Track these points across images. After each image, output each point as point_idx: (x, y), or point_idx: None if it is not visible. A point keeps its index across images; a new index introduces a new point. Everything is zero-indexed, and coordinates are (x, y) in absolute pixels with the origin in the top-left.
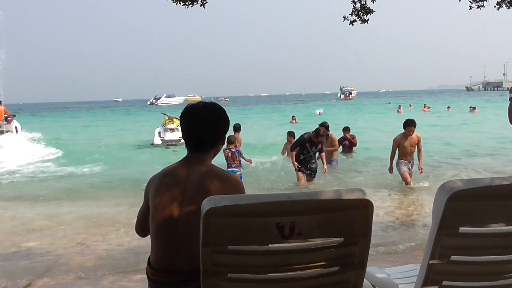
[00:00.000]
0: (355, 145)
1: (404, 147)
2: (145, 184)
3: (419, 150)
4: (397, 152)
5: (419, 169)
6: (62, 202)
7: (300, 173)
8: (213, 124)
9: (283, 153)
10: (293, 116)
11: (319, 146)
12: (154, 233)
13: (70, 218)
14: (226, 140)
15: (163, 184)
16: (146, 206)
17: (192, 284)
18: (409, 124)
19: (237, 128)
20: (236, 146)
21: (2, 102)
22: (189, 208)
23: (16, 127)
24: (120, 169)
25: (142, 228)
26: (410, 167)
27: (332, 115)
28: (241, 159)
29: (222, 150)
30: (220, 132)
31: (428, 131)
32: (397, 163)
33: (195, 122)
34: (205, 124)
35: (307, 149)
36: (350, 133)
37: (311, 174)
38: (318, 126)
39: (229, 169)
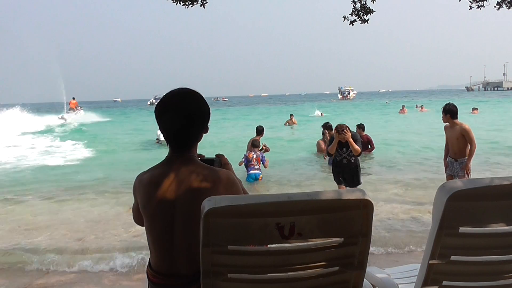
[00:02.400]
0: (372, 146)
1: (447, 139)
2: None
3: (470, 145)
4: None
5: (462, 170)
6: (63, 200)
7: (341, 185)
8: (193, 115)
9: (322, 152)
10: (291, 115)
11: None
12: (152, 242)
13: (70, 217)
14: (251, 144)
15: (152, 195)
16: (137, 203)
17: (192, 286)
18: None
19: (260, 131)
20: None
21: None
22: (183, 214)
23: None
24: (124, 168)
25: (138, 220)
26: (458, 167)
27: (329, 116)
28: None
29: (247, 152)
30: (202, 122)
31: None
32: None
33: (174, 115)
34: (184, 116)
35: (337, 151)
36: (364, 133)
37: (349, 180)
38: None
39: (251, 171)
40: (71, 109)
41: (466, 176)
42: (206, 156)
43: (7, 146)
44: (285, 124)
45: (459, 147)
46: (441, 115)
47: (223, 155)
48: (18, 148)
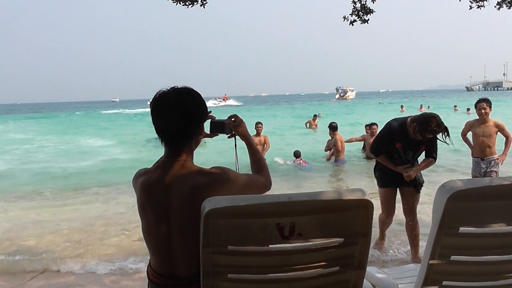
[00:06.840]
0: None
1: (476, 137)
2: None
3: (506, 137)
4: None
5: (497, 160)
6: (63, 200)
7: (386, 191)
8: (188, 114)
9: (364, 152)
10: (315, 115)
11: (422, 148)
12: (150, 246)
13: (71, 217)
14: (294, 154)
15: (145, 203)
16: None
17: (192, 286)
18: (479, 101)
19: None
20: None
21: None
22: (179, 221)
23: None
24: (125, 166)
25: None
26: (485, 166)
27: (327, 116)
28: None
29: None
30: (197, 121)
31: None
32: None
33: (167, 115)
34: (178, 115)
35: (397, 152)
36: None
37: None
38: (424, 114)
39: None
40: (223, 99)
41: (500, 160)
42: (216, 118)
43: None
44: (306, 125)
45: (489, 144)
46: (476, 108)
47: (236, 115)
48: None
